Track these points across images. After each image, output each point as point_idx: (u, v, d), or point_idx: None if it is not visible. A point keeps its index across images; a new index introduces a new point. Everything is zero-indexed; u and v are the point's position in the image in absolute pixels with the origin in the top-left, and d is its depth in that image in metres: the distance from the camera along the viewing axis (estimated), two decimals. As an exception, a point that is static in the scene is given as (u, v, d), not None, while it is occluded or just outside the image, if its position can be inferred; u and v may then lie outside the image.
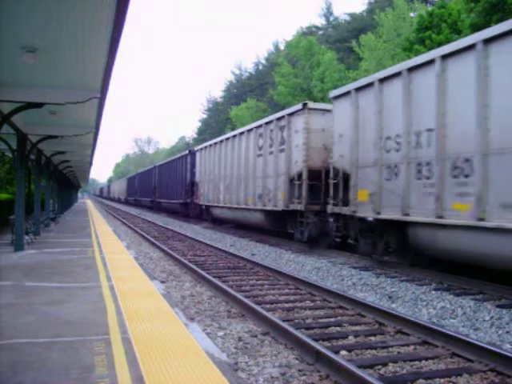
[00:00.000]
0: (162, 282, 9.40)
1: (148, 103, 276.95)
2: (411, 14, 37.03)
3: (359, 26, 50.53)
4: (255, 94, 63.18)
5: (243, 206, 19.45)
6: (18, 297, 6.73)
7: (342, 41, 51.67)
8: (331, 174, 13.35)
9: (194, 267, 10.92)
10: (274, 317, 6.55)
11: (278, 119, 16.63)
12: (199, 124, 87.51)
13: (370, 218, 11.42)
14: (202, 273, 10.19)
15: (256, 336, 6.19)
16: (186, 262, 11.86)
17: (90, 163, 29.54)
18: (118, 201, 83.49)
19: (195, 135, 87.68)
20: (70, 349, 4.50)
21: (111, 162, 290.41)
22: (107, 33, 5.87)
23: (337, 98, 13.19)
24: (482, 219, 8.35)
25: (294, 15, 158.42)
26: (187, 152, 30.96)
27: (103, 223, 23.94)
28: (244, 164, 19.63)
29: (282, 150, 16.16)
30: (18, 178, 12.44)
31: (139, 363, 4.14)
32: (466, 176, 8.75)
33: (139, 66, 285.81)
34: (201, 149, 27.34)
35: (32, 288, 7.34)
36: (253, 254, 14.40)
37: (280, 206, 15.98)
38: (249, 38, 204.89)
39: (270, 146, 17.15)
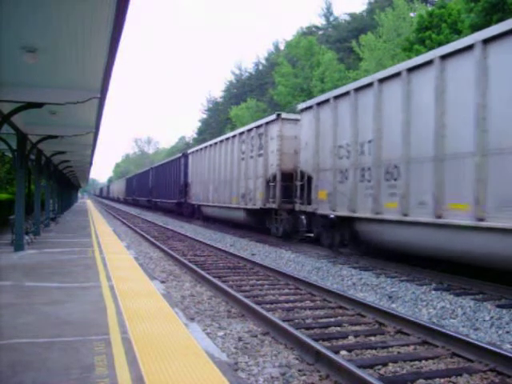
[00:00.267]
0: (162, 281, 9.40)
1: (148, 103, 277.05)
2: (411, 14, 37.03)
3: (359, 25, 50.52)
4: (255, 94, 63.20)
5: (229, 205, 21.40)
6: (18, 297, 6.73)
7: (342, 41, 51.66)
8: (298, 177, 15.31)
9: (194, 267, 10.92)
10: (273, 317, 6.55)
11: (257, 127, 18.62)
12: (199, 124, 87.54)
13: (332, 216, 13.22)
14: (202, 273, 10.19)
15: (256, 336, 6.19)
16: (186, 261, 11.86)
17: (90, 163, 29.54)
18: (117, 200, 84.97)
19: (195, 135, 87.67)
20: (70, 349, 4.50)
21: (111, 162, 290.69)
22: (107, 33, 5.87)
23: (303, 110, 15.02)
24: (405, 215, 10.32)
25: (294, 15, 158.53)
26: (181, 155, 33.02)
27: (103, 223, 23.94)
28: (230, 167, 21.56)
29: (260, 155, 18.12)
30: (18, 178, 12.44)
31: (139, 363, 4.14)
32: (395, 179, 10.70)
33: (139, 65, 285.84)
34: (193, 152, 29.47)
35: (32, 288, 7.34)
36: (253, 254, 14.40)
37: (258, 205, 17.96)
38: (249, 38, 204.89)
39: (251, 150, 19.05)
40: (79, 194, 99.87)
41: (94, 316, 5.70)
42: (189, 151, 31.27)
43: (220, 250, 14.77)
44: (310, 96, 41.88)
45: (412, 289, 9.07)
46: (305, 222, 15.26)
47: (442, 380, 4.83)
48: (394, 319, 6.70)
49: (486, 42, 8.57)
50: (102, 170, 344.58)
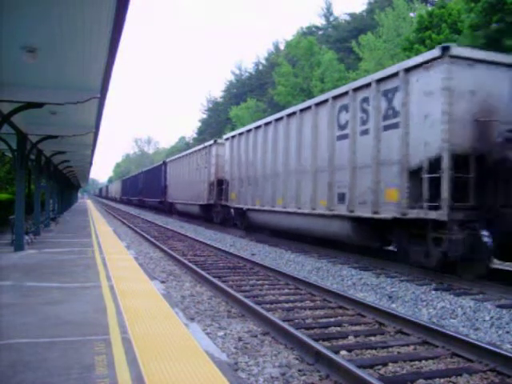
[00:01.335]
0: (162, 281, 9.39)
1: (148, 103, 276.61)
2: (411, 14, 37.05)
3: (359, 25, 50.55)
4: (255, 94, 63.20)
5: (189, 202, 29.07)
6: (18, 297, 6.73)
7: (342, 41, 51.68)
8: (224, 183, 22.70)
9: (194, 267, 10.91)
10: (273, 317, 6.55)
11: (205, 147, 26.70)
12: (199, 124, 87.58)
13: (245, 208, 19.76)
14: (202, 273, 10.19)
15: (256, 336, 6.19)
16: (185, 261, 11.86)
17: (90, 163, 29.56)
18: (115, 200, 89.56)
19: (195, 135, 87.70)
20: (70, 349, 4.50)
21: (111, 162, 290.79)
22: (107, 33, 5.87)
23: (226, 139, 22.83)
24: (263, 206, 17.65)
25: (294, 15, 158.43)
26: (162, 162, 41.36)
27: (103, 223, 23.94)
28: (191, 174, 29.22)
29: (206, 167, 25.93)
30: (17, 178, 12.43)
31: (139, 363, 4.14)
32: (257, 186, 18.43)
33: (139, 65, 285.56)
34: (170, 160, 37.81)
35: (32, 288, 7.34)
36: (253, 254, 14.40)
37: (204, 202, 25.59)
38: (249, 38, 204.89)
39: (202, 163, 26.99)
40: (79, 194, 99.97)
41: (94, 316, 5.71)
42: (167, 160, 39.54)
43: (220, 249, 14.77)
44: (310, 96, 41.97)
45: (412, 289, 9.07)
46: (233, 213, 22.19)
47: (442, 380, 4.83)
48: (394, 319, 6.70)
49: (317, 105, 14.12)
50: (101, 169, 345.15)
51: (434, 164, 9.39)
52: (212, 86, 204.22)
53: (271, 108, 51.07)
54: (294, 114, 15.47)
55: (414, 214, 9.85)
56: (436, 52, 9.49)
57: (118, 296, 6.78)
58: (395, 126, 10.51)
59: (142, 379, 3.79)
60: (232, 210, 21.95)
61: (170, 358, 4.30)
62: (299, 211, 14.65)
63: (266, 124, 17.56)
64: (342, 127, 12.65)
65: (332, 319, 7.14)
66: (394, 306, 8.15)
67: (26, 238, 13.10)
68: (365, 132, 11.62)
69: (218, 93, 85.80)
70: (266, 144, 17.52)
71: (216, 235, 20.45)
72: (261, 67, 73.27)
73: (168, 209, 37.10)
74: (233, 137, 21.57)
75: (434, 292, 8.80)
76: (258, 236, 18.98)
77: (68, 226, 21.72)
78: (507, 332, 6.54)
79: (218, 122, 74.58)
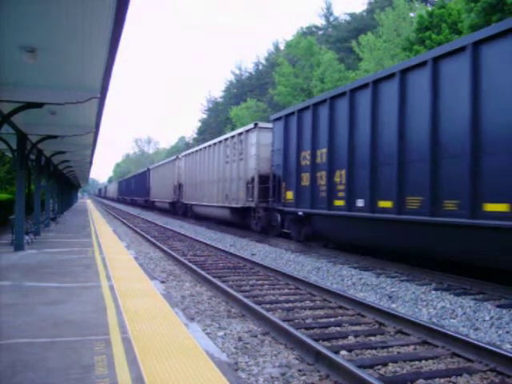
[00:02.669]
0: (162, 281, 9.39)
1: (148, 103, 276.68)
2: (411, 14, 37.04)
3: (359, 25, 50.55)
4: (255, 94, 63.17)
5: (164, 200, 38.45)
6: (18, 297, 6.73)
7: (342, 41, 51.67)
8: (182, 186, 32.24)
9: (194, 267, 10.91)
10: (273, 317, 6.54)
11: (170, 160, 36.75)
12: (199, 124, 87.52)
13: (192, 203, 28.70)
14: (202, 273, 10.18)
15: (256, 336, 6.19)
16: (185, 261, 11.85)
17: (90, 163, 29.55)
18: (112, 199, 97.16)
19: (195, 135, 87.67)
20: (70, 349, 4.50)
21: (111, 162, 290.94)
22: (107, 33, 5.86)
23: (183, 156, 33.12)
24: (198, 201, 27.21)
25: (294, 15, 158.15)
26: (147, 169, 50.69)
27: (103, 223, 23.94)
28: (163, 178, 38.64)
29: (172, 174, 34.70)
30: (17, 178, 12.43)
31: (139, 363, 4.14)
32: (198, 188, 27.62)
33: (139, 65, 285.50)
34: (152, 168, 47.67)
35: (32, 288, 7.34)
36: (253, 254, 14.40)
37: (171, 200, 34.84)
38: (249, 38, 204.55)
39: (170, 172, 35.90)
40: (79, 194, 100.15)
41: (94, 316, 5.71)
42: (150, 167, 49.36)
43: (220, 249, 14.77)
44: (310, 96, 41.92)
45: (412, 289, 9.07)
46: (188, 207, 31.02)
47: (442, 380, 4.83)
48: (394, 319, 6.70)
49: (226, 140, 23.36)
50: (101, 170, 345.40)
51: (253, 179, 18.58)
52: (212, 85, 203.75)
53: (271, 108, 51.08)
54: (210, 146, 25.46)
55: (247, 204, 19.10)
56: (252, 125, 19.03)
57: (118, 296, 6.78)
58: (242, 159, 20.03)
59: (142, 379, 3.79)
60: (188, 205, 30.57)
61: (169, 357, 4.30)
62: (212, 204, 24.22)
63: (200, 149, 27.57)
64: (227, 157, 22.35)
65: (332, 319, 7.14)
66: (394, 306, 8.15)
67: (26, 237, 13.10)
68: (233, 161, 21.25)
69: (218, 93, 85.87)
70: (200, 162, 27.31)
71: (216, 235, 20.46)
72: (261, 67, 73.25)
73: (151, 206, 47.40)
74: (186, 154, 32.16)
75: (433, 292, 8.80)
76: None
77: (68, 225, 21.73)
78: (507, 332, 6.54)
79: (217, 122, 74.54)
